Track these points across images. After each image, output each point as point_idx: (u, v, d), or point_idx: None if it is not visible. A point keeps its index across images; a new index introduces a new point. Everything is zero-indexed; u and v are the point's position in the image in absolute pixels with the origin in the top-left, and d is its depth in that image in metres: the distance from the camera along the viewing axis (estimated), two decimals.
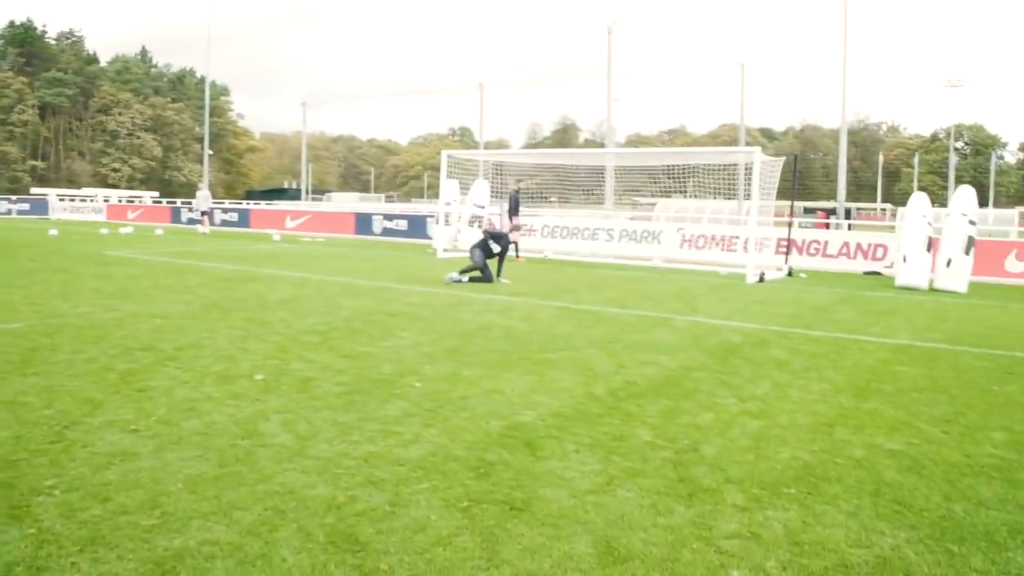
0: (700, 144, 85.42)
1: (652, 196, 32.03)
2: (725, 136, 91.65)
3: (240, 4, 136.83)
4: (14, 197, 45.54)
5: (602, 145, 62.81)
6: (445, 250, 20.29)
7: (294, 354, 6.76)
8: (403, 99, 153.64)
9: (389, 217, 28.87)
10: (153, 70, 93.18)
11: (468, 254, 14.04)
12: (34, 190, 50.32)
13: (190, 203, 36.38)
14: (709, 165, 22.92)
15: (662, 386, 6.04)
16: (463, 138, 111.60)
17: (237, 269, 14.73)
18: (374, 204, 52.66)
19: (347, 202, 54.12)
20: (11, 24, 79.29)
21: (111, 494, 3.47)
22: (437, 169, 23.74)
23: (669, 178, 25.62)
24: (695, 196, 27.08)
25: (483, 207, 22.89)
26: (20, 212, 41.74)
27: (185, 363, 6.24)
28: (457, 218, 23.56)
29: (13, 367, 5.94)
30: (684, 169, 24.02)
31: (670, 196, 31.11)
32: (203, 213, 29.76)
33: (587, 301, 11.38)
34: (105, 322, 8.09)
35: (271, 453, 4.14)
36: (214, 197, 36.78)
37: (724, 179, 22.84)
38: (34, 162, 75.00)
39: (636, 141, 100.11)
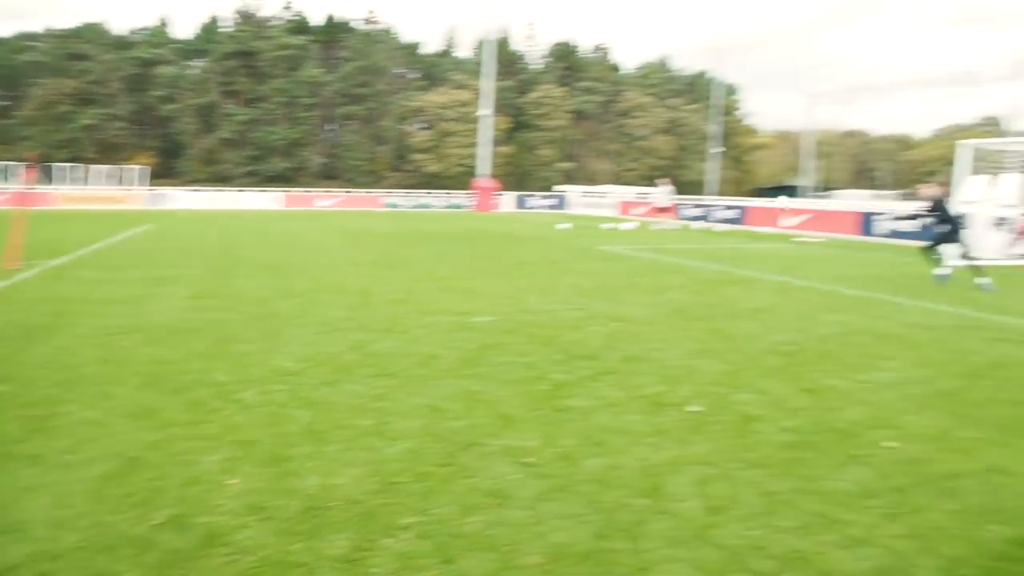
0: None
1: None
2: None
3: (780, 8, 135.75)
4: (543, 194, 51.91)
5: None
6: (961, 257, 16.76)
7: (745, 381, 5.73)
8: (936, 90, 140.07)
9: (897, 217, 25.36)
10: (668, 75, 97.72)
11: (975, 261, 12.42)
12: (556, 187, 56.02)
13: (694, 200, 37.05)
14: None
15: None
16: (993, 129, 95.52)
17: (720, 270, 13.94)
18: (882, 202, 47.40)
19: (853, 200, 49.83)
20: (556, 44, 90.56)
21: (462, 552, 2.98)
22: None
23: None
24: None
25: (1014, 206, 18.61)
26: (546, 207, 48.05)
27: (621, 380, 5.70)
28: (979, 220, 19.51)
29: (458, 364, 6.05)
30: None
31: None
32: (663, 210, 30.18)
33: None
34: (564, 322, 8.07)
35: (664, 528, 3.24)
36: (722, 194, 36.43)
37: None
38: (562, 164, 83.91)
39: None
